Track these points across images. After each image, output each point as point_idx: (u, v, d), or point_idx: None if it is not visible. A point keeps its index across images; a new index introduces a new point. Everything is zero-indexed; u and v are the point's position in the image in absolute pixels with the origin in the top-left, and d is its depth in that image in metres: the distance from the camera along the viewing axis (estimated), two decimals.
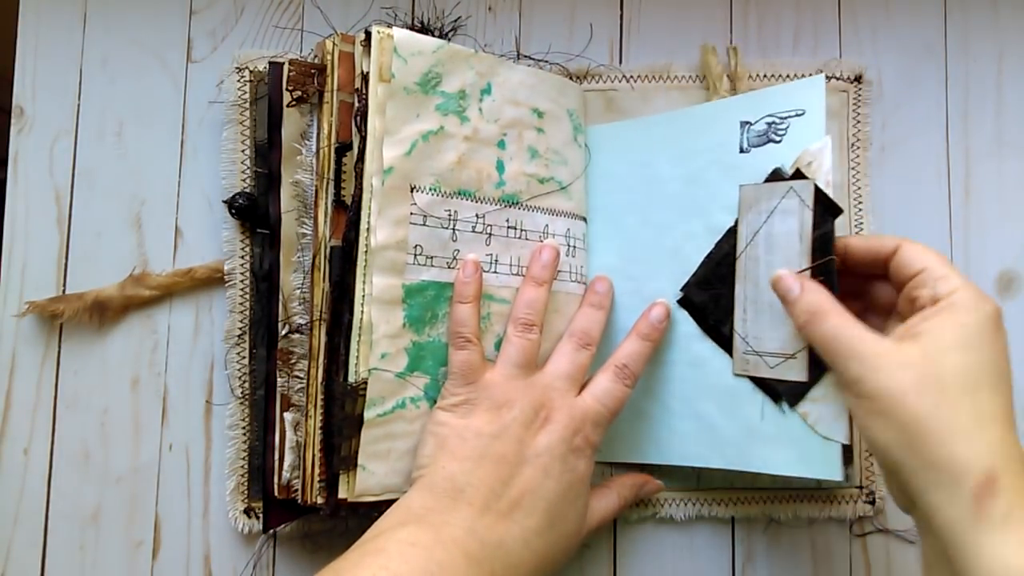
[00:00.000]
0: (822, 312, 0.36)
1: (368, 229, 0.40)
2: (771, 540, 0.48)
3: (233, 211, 0.47)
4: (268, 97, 0.45)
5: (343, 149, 0.42)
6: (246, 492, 0.47)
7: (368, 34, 0.41)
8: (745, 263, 0.42)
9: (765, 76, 0.49)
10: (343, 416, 0.40)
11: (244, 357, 0.47)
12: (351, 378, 0.40)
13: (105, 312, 0.48)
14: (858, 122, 0.49)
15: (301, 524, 0.46)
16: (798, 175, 0.41)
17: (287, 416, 0.44)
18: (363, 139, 0.41)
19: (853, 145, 0.49)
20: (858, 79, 0.49)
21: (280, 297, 0.45)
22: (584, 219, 0.48)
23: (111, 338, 0.48)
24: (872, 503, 0.47)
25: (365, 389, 0.40)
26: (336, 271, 0.41)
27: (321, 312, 0.42)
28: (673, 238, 0.45)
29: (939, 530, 0.32)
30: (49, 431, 0.48)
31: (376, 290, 0.40)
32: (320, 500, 0.41)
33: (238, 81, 0.48)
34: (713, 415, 0.45)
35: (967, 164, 0.49)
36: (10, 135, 0.49)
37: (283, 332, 0.44)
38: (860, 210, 0.48)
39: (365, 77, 0.41)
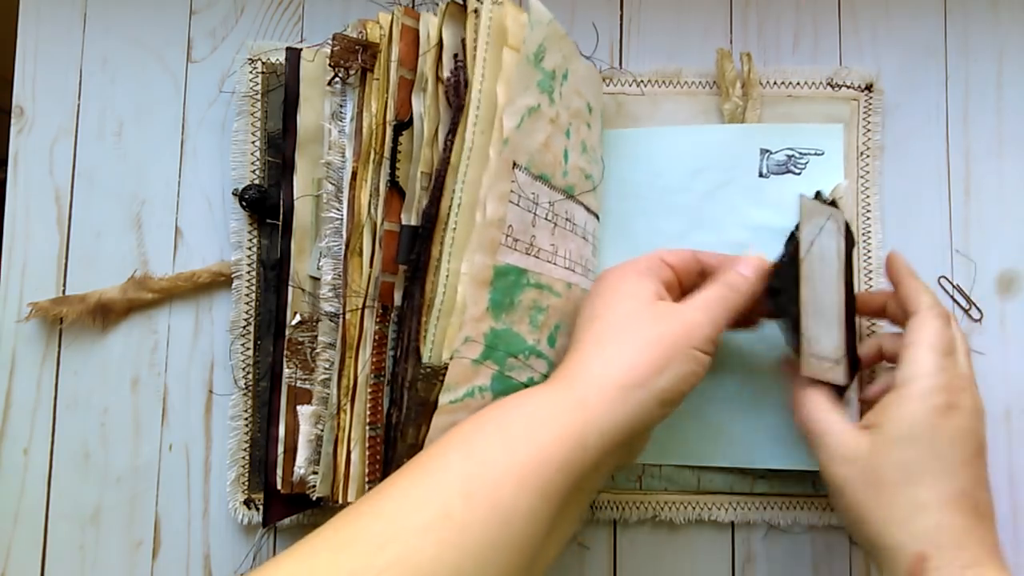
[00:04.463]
0: (804, 400, 0.40)
1: (460, 204, 0.37)
2: (770, 547, 0.48)
3: (244, 203, 0.47)
4: (285, 83, 0.45)
5: (401, 127, 0.40)
6: (247, 484, 0.47)
7: (461, 2, 0.39)
8: (808, 268, 0.42)
9: (775, 83, 0.49)
10: (418, 400, 0.38)
11: (248, 349, 0.47)
12: (426, 361, 0.38)
13: (108, 315, 0.48)
14: (868, 130, 0.49)
15: (301, 516, 0.46)
16: (833, 204, 0.45)
17: (303, 409, 0.43)
18: (458, 110, 0.38)
19: (862, 154, 0.49)
20: (868, 88, 0.49)
21: (291, 286, 0.44)
22: (599, 219, 0.48)
23: (111, 338, 0.48)
24: None
25: (445, 373, 0.37)
26: (407, 252, 0.39)
27: (367, 297, 0.40)
28: (683, 247, 0.45)
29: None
30: (49, 431, 0.48)
31: (474, 269, 0.37)
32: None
33: (250, 72, 0.48)
34: (718, 416, 0.46)
35: (967, 164, 0.49)
36: (10, 135, 0.49)
37: (293, 322, 0.44)
38: (868, 219, 0.48)
39: (464, 45, 0.39)
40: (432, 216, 0.39)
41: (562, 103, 0.41)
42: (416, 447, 0.38)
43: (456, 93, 0.39)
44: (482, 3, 0.39)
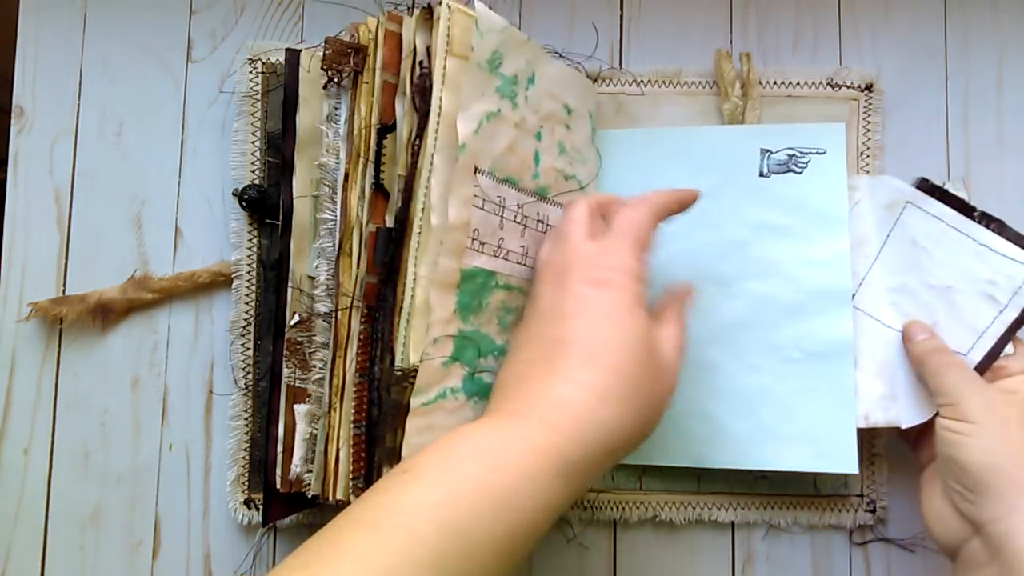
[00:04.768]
0: (946, 351, 0.44)
1: (424, 209, 0.38)
2: (770, 547, 0.48)
3: (244, 203, 0.47)
4: (284, 83, 0.45)
5: (385, 130, 0.41)
6: (247, 483, 0.47)
7: (430, 8, 0.40)
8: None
9: (775, 83, 0.49)
10: (392, 404, 0.38)
11: (248, 348, 0.47)
12: (398, 364, 0.38)
13: (107, 315, 0.48)
14: (868, 130, 0.49)
15: (301, 515, 0.47)
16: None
17: (299, 408, 0.43)
18: (423, 116, 0.39)
19: (863, 153, 0.49)
20: (868, 88, 0.49)
21: (289, 286, 0.44)
22: None
23: (111, 338, 0.48)
24: (873, 511, 0.47)
25: (415, 376, 0.38)
26: (382, 254, 0.40)
27: (354, 298, 0.41)
28: (682, 247, 0.46)
29: (1016, 552, 0.36)
30: (49, 431, 0.48)
31: (439, 273, 0.38)
32: (354, 497, 0.39)
33: (250, 72, 0.48)
34: (722, 416, 0.46)
35: (967, 164, 0.49)
36: (10, 135, 0.49)
37: (292, 322, 0.44)
38: None
39: (428, 51, 0.40)
40: (403, 219, 0.39)
41: (528, 107, 0.42)
42: (394, 451, 0.38)
43: (423, 99, 0.40)
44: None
